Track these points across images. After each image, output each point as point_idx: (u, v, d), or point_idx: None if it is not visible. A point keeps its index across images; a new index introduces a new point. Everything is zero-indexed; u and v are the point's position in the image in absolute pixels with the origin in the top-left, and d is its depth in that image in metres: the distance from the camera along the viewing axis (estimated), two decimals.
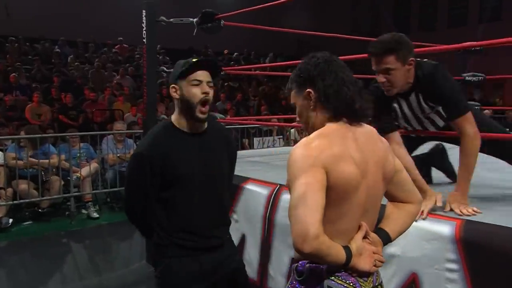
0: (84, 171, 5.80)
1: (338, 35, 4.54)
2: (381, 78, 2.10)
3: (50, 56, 12.14)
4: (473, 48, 5.04)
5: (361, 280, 1.34)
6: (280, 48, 16.69)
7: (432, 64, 2.21)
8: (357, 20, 19.74)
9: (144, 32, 3.68)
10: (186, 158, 1.85)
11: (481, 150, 2.16)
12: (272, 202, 2.48)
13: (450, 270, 1.87)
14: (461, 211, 2.02)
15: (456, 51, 5.46)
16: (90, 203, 5.77)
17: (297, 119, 1.53)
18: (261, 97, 12.49)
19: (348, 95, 1.36)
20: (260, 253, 2.61)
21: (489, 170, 2.78)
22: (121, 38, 13.59)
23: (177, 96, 1.82)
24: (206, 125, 1.92)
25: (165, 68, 3.68)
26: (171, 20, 3.67)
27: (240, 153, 3.03)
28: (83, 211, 5.84)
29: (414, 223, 1.90)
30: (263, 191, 2.59)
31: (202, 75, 1.80)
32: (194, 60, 1.81)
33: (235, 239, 2.77)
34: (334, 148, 1.31)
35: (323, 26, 12.15)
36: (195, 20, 3.59)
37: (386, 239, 1.42)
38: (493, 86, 14.99)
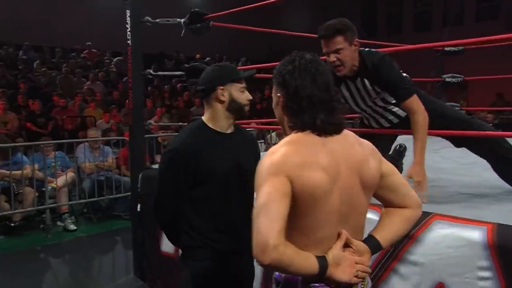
0: (60, 181, 5.40)
1: (310, 34, 4.33)
2: (332, 58, 2.26)
3: (15, 61, 11.48)
4: (451, 49, 5.10)
5: None
6: (252, 53, 16.33)
7: (378, 53, 2.38)
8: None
9: (129, 33, 3.40)
10: (219, 156, 1.89)
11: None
12: None
13: (483, 279, 1.70)
14: (419, 185, 2.17)
15: (435, 52, 5.49)
16: (66, 214, 5.35)
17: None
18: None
19: (312, 112, 1.29)
20: None
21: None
22: (89, 43, 12.98)
23: (225, 98, 1.89)
24: (233, 127, 2.00)
25: (151, 71, 3.40)
26: (157, 20, 3.41)
27: None
28: (59, 223, 5.41)
29: (440, 229, 1.84)
30: None
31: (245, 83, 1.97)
32: (247, 73, 1.99)
33: None
34: (299, 155, 1.26)
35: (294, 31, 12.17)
36: (182, 20, 3.35)
37: (376, 247, 1.34)
38: (457, 88, 15.30)
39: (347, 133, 1.39)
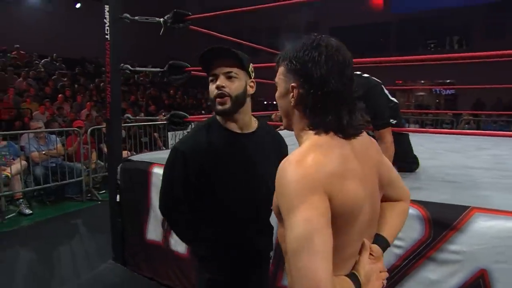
0: (14, 168, 4.46)
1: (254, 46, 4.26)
2: None
3: None
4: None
5: None
6: (156, 60, 15.43)
7: (372, 81, 2.26)
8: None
9: (107, 28, 2.92)
10: (226, 158, 1.37)
11: None
12: None
13: None
14: None
15: None
16: (21, 200, 4.45)
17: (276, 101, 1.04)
18: (148, 99, 12.08)
19: (337, 113, 0.93)
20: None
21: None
22: (17, 45, 11.54)
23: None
24: (256, 125, 1.46)
25: (129, 66, 2.96)
26: (136, 18, 2.73)
27: None
28: (11, 207, 4.48)
29: (485, 222, 1.62)
30: None
31: (219, 67, 1.34)
32: (205, 50, 1.33)
33: None
34: (333, 163, 0.87)
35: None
36: (162, 19, 2.96)
37: (385, 245, 1.04)
38: None
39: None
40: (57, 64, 11.77)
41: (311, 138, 0.93)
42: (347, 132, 0.93)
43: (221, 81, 1.33)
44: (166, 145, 7.12)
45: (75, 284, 2.80)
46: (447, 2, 13.65)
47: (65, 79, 10.84)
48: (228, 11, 2.77)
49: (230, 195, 1.38)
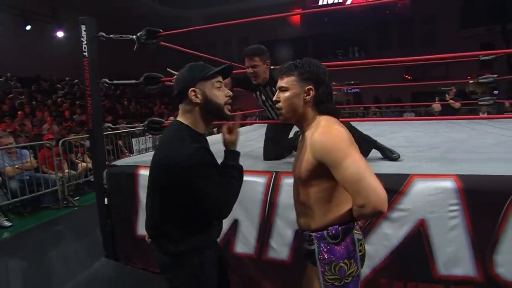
0: None
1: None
2: (250, 70, 2.30)
3: None
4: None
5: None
6: (106, 75, 14.21)
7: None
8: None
9: (85, 46, 2.65)
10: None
11: None
12: (273, 188, 2.02)
13: (452, 212, 1.72)
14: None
15: None
16: None
17: (275, 99, 1.26)
18: (104, 110, 10.80)
19: (331, 102, 1.25)
20: (259, 232, 2.11)
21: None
22: None
23: (199, 100, 1.24)
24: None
25: (107, 80, 2.73)
26: (111, 36, 2.58)
27: None
28: None
29: (421, 184, 1.78)
30: (259, 180, 2.07)
31: (221, 78, 1.31)
32: (220, 68, 1.29)
33: (226, 225, 2.15)
34: (345, 129, 1.15)
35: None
36: (135, 36, 2.77)
37: None
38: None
39: None
40: (12, 83, 10.71)
41: (324, 119, 1.21)
42: (338, 116, 1.25)
43: (229, 89, 1.35)
44: (131, 151, 6.71)
45: (74, 283, 2.55)
46: (348, 20, 14.67)
47: (23, 96, 9.71)
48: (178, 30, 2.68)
49: None
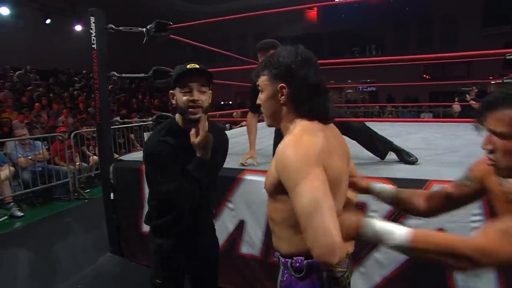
0: (3, 174, 3.96)
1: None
2: None
3: None
4: None
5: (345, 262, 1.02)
6: (121, 68, 14.11)
7: None
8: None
9: (93, 38, 2.61)
10: (189, 155, 1.31)
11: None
12: None
13: (474, 221, 1.57)
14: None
15: None
16: (11, 203, 3.96)
17: (257, 102, 1.04)
18: (119, 104, 11.34)
19: (320, 100, 0.97)
20: (265, 233, 2.03)
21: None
22: None
23: (173, 102, 1.36)
24: (207, 126, 1.38)
25: (115, 73, 2.69)
26: (120, 28, 2.56)
27: None
28: (1, 211, 3.95)
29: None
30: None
31: (194, 82, 1.30)
32: (186, 68, 1.29)
33: (232, 225, 2.09)
34: (321, 142, 0.90)
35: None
36: (145, 29, 2.71)
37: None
38: None
39: (332, 124, 1.06)
40: (31, 75, 10.84)
41: (299, 125, 0.95)
42: (327, 118, 0.98)
43: (196, 94, 1.31)
44: (143, 145, 6.72)
45: (79, 276, 2.52)
46: (366, 17, 14.30)
47: (41, 89, 9.88)
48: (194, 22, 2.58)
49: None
